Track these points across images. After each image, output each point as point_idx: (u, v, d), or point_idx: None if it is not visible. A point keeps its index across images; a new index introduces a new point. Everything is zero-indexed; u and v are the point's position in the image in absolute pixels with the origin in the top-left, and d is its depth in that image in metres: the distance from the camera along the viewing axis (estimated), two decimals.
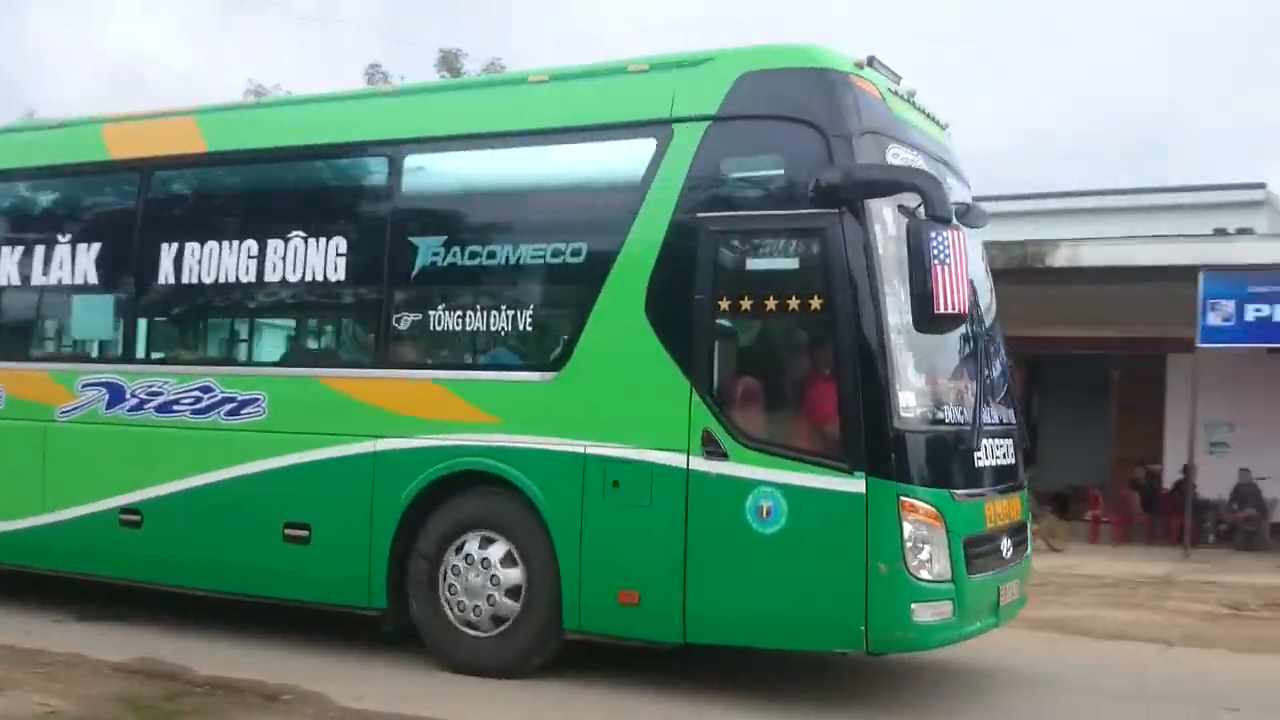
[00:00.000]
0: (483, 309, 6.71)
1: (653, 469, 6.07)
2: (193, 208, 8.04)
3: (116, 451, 7.70)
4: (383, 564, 6.78)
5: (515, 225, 6.83)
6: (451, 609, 6.61)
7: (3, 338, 8.65)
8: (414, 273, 6.90)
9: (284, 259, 7.28)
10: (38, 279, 8.31)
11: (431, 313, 6.87)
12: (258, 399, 7.26)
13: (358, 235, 7.17)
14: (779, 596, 5.84)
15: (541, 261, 6.59)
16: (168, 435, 7.53)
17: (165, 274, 7.71)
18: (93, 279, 8.04)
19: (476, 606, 6.52)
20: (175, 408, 7.53)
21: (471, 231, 6.84)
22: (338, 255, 7.12)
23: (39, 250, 8.26)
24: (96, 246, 8.03)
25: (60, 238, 8.19)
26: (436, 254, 6.84)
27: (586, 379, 6.33)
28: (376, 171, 7.26)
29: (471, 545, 6.54)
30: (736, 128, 6.19)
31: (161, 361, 7.89)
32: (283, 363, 7.73)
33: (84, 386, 7.86)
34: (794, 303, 5.92)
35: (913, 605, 5.63)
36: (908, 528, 5.61)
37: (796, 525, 5.75)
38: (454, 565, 6.58)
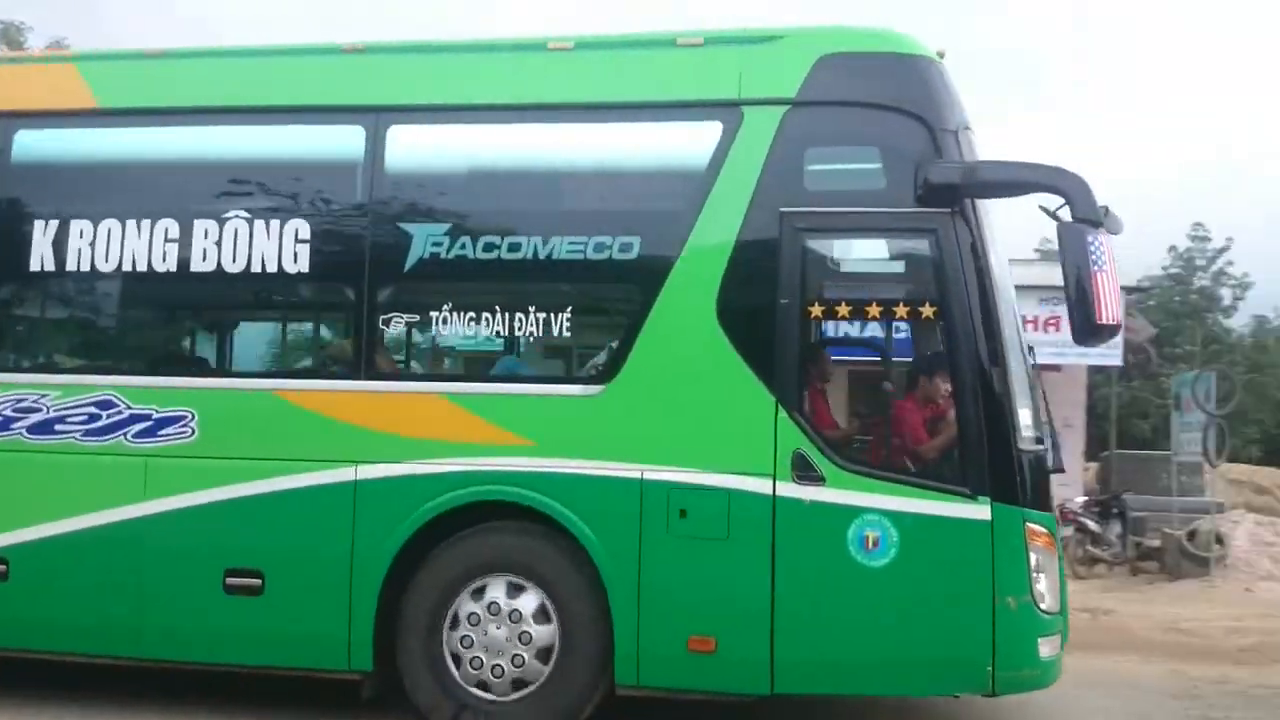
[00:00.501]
0: (504, 311, 5.62)
1: (729, 495, 5.27)
2: (82, 176, 6.37)
3: None
4: (368, 616, 5.54)
5: (537, 214, 5.80)
6: (460, 666, 5.49)
7: None
8: (408, 265, 5.74)
9: (220, 244, 5.85)
10: None
11: (435, 314, 5.73)
12: (184, 416, 5.78)
13: (324, 219, 5.86)
14: (888, 637, 5.19)
15: (580, 257, 5.57)
16: (47, 462, 5.88)
17: (41, 258, 6.04)
18: None
19: (496, 666, 5.44)
20: (59, 428, 5.88)
21: (483, 221, 5.74)
22: (297, 241, 5.81)
23: None
24: None
25: None
26: (438, 244, 5.71)
27: (642, 393, 5.43)
28: (350, 144, 5.92)
29: (496, 592, 5.46)
30: (820, 114, 5.50)
31: (36, 369, 6.20)
32: (220, 372, 6.26)
33: None
34: (901, 310, 5.38)
35: (1039, 640, 5.18)
36: (1033, 556, 5.15)
37: (910, 556, 5.13)
38: (471, 614, 5.47)
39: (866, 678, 5.32)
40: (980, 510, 5.12)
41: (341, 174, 5.98)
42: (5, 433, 5.92)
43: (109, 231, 5.95)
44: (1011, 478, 5.15)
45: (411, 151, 5.97)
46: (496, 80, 5.91)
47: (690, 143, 5.65)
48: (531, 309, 5.57)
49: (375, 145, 5.83)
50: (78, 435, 5.86)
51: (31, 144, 6.27)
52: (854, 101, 5.51)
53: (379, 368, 5.78)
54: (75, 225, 5.98)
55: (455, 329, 5.71)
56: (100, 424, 5.84)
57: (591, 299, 5.87)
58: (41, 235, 6.02)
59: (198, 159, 6.23)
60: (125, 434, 5.81)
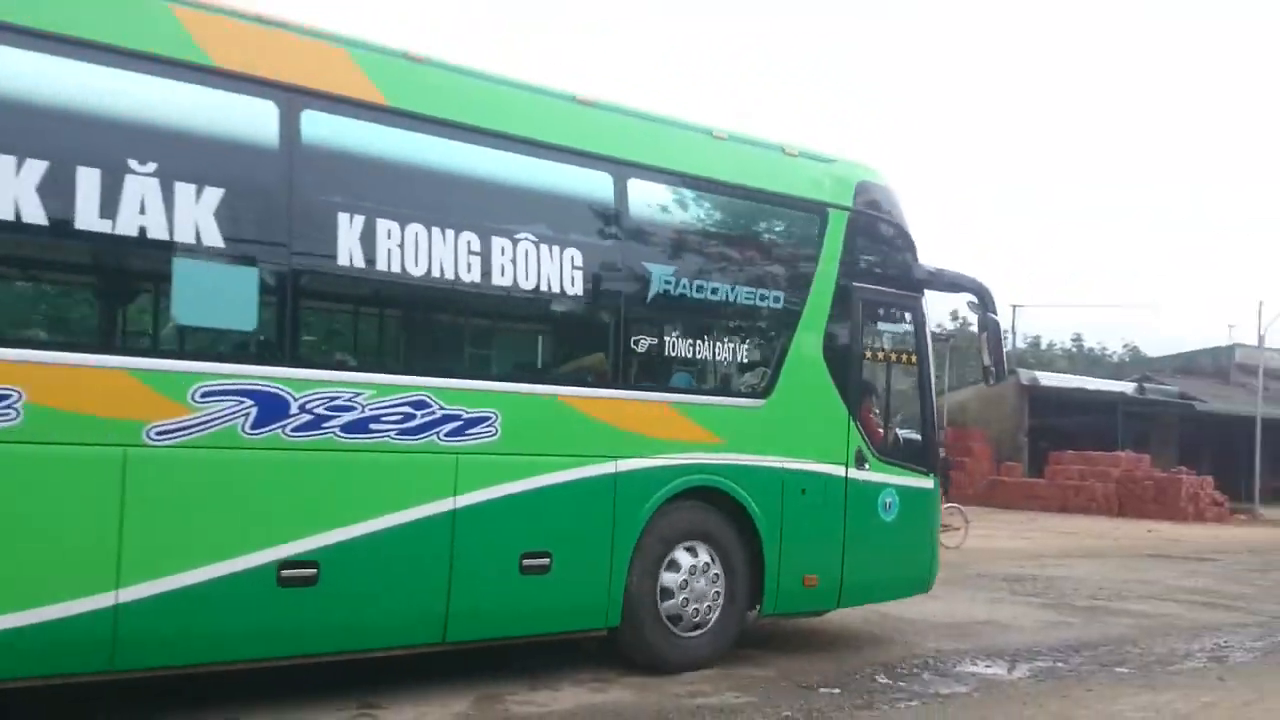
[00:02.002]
0: (707, 339, 7.47)
1: (828, 479, 7.97)
2: (375, 173, 6.14)
3: (274, 485, 5.64)
4: (620, 582, 6.98)
5: (725, 268, 7.62)
6: (679, 614, 7.31)
7: (18, 309, 5.01)
8: (649, 297, 7.10)
9: (514, 262, 6.49)
10: (86, 219, 5.13)
11: (665, 338, 7.20)
12: (489, 417, 6.34)
13: (591, 250, 6.91)
14: (893, 565, 8.43)
15: (752, 303, 7.69)
16: (360, 461, 5.91)
17: (350, 254, 5.89)
18: (214, 237, 5.46)
19: (696, 609, 7.37)
20: (373, 427, 5.93)
21: (693, 267, 7.40)
22: (573, 268, 6.74)
23: (88, 174, 5.13)
24: (211, 189, 5.45)
25: (132, 162, 5.25)
26: (668, 283, 7.19)
27: (785, 406, 7.76)
28: (603, 187, 6.97)
29: (699, 554, 7.41)
30: (862, 220, 8.27)
31: (343, 367, 5.94)
32: (519, 378, 6.66)
33: (206, 396, 5.41)
34: (902, 357, 8.58)
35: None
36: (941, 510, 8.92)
37: (903, 512, 8.38)
38: (688, 566, 7.32)
39: (881, 591, 8.64)
40: (931, 483, 8.68)
41: (601, 214, 7.03)
42: (316, 432, 5.75)
43: (416, 236, 6.11)
44: (937, 463, 8.83)
45: (645, 202, 7.27)
46: (692, 153, 7.54)
47: (805, 227, 8.13)
48: (725, 339, 7.60)
49: (620, 193, 7.05)
50: (392, 434, 6.01)
51: (321, 129, 5.90)
52: (876, 214, 8.44)
53: (630, 379, 7.06)
54: (382, 225, 6.01)
55: (676, 350, 7.37)
56: (414, 423, 6.08)
57: (758, 335, 7.94)
58: (348, 230, 5.89)
59: (489, 178, 6.59)
60: (438, 433, 6.16)
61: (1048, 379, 34.88)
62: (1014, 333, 57.48)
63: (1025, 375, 33.75)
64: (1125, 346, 63.97)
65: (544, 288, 6.65)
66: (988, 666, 8.17)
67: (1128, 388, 35.56)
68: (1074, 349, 64.50)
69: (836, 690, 7.16)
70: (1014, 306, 60.58)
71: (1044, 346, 62.57)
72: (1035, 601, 11.54)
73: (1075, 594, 12.23)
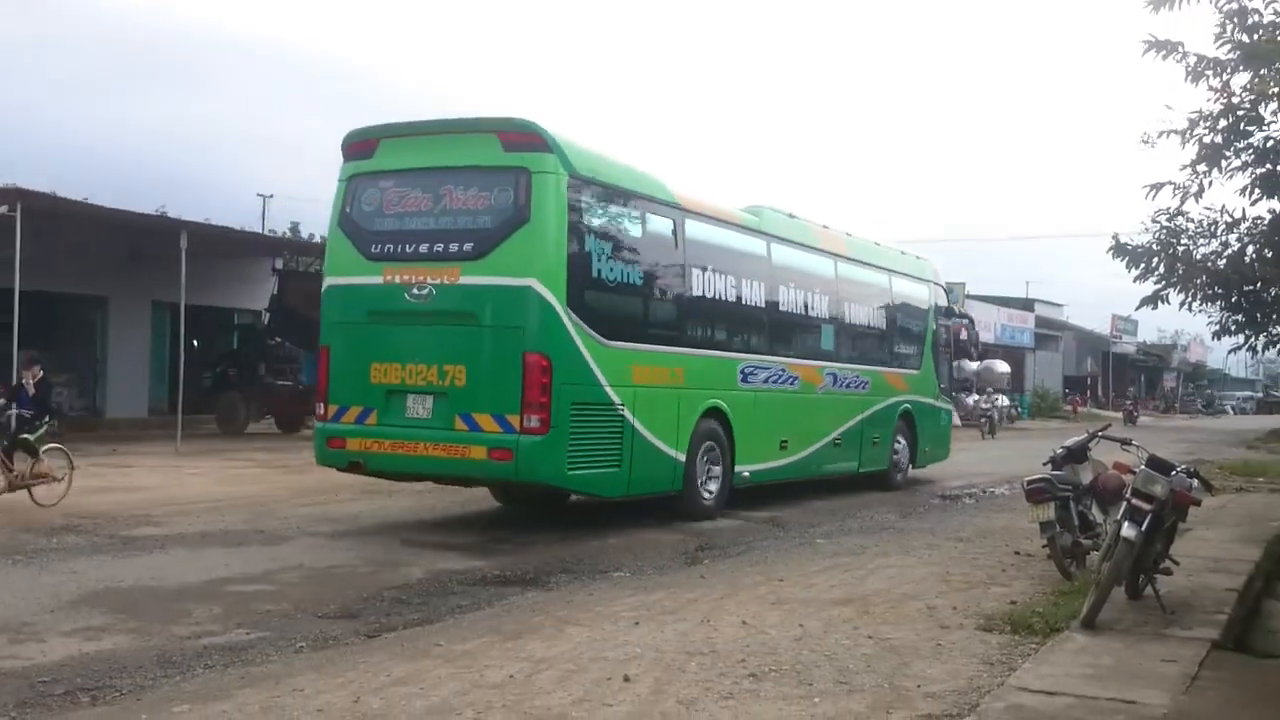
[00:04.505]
0: (908, 346, 17.75)
1: (932, 405, 18.02)
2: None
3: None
4: (887, 450, 16.89)
5: (906, 316, 17.70)
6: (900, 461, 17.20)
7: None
8: (894, 328, 17.50)
9: (848, 311, 16.06)
10: (716, 290, 12.89)
11: (897, 347, 17.46)
12: (867, 380, 15.78)
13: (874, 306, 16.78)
14: (942, 445, 18.61)
15: (916, 332, 17.83)
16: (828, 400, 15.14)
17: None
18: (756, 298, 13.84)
19: (900, 459, 17.00)
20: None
21: (895, 316, 17.33)
22: (868, 316, 16.64)
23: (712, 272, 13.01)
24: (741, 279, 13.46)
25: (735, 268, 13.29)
26: (895, 322, 17.34)
27: (924, 375, 17.75)
28: (883, 279, 17.15)
29: (902, 440, 16.95)
30: (940, 295, 18.98)
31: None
32: (875, 364, 16.80)
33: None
34: (945, 352, 19.12)
35: None
36: None
37: (946, 421, 18.99)
38: (904, 445, 17.20)
39: (937, 459, 18.50)
40: (951, 407, 20.29)
41: (880, 291, 17.14)
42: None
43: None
44: (953, 399, 21.51)
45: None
46: (880, 253, 17.41)
47: (922, 300, 18.11)
48: (911, 346, 17.65)
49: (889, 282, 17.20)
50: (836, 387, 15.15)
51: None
52: (944, 290, 19.79)
53: (890, 363, 17.21)
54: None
55: (899, 350, 17.56)
56: (844, 382, 15.24)
57: (917, 345, 17.75)
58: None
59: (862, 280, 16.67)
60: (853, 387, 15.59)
61: None
62: None
63: None
64: None
65: (865, 323, 16.18)
66: (512, 581, 8.53)
67: None
68: None
69: (352, 618, 7.15)
70: None
71: None
72: (545, 516, 12.17)
73: (579, 508, 12.97)
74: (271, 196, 48.00)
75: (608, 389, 10.55)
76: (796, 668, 5.76)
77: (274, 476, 16.00)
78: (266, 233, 36.01)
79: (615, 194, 11.04)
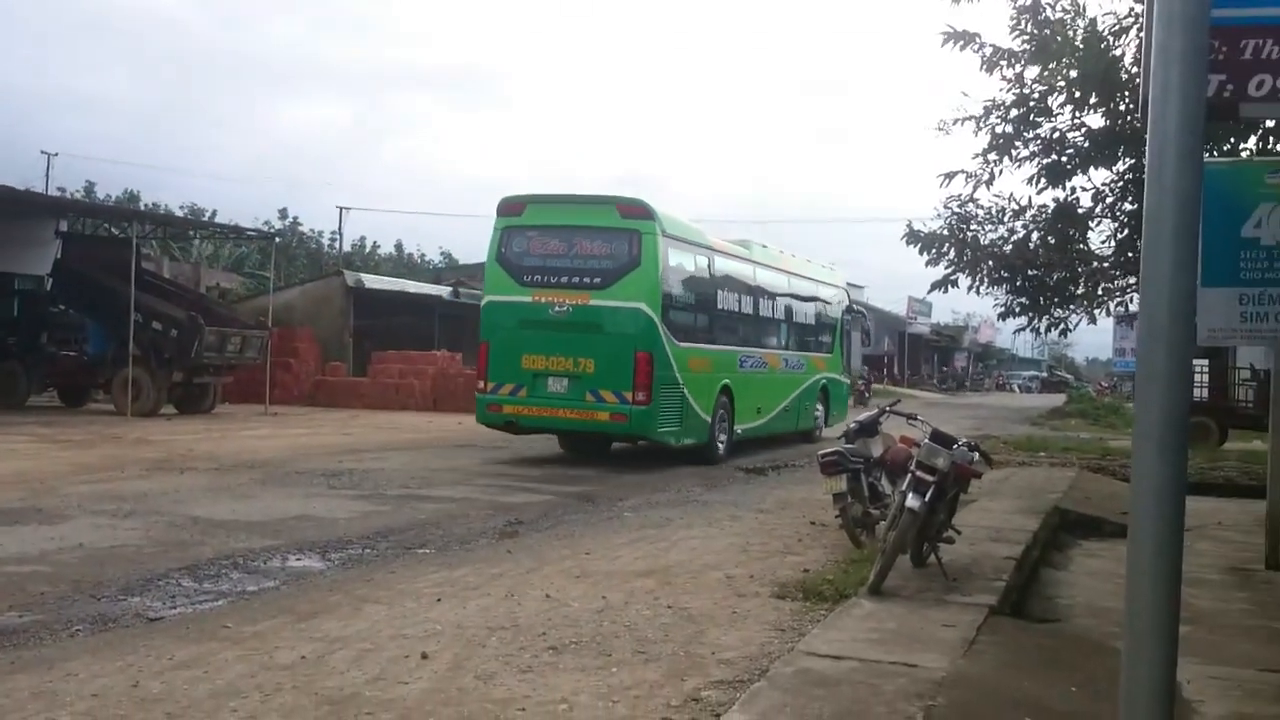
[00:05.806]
0: (825, 336, 22.79)
1: (839, 380, 23.68)
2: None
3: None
4: (813, 417, 22.43)
5: (820, 313, 22.52)
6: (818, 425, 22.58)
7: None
8: (815, 322, 22.99)
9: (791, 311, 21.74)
10: (731, 304, 18.83)
11: (819, 335, 22.70)
12: (804, 362, 21.50)
13: (806, 306, 22.22)
14: (842, 407, 23.13)
15: (829, 324, 22.89)
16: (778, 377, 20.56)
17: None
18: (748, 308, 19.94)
19: (820, 422, 22.43)
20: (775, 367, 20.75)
21: (814, 311, 22.53)
22: (805, 314, 22.41)
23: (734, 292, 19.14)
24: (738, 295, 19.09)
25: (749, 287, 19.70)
26: (818, 317, 22.85)
27: (834, 356, 23.10)
28: (814, 289, 22.70)
29: (820, 409, 22.56)
30: (847, 295, 25.12)
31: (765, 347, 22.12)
32: (807, 349, 22.49)
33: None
34: (849, 338, 25.05)
35: None
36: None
37: (845, 391, 24.49)
38: (820, 412, 22.58)
39: (838, 418, 22.07)
40: (848, 379, 25.32)
41: (811, 297, 23.03)
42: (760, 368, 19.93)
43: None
44: (851, 374, 27.07)
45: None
46: (810, 270, 22.94)
47: (834, 300, 23.40)
48: (826, 336, 22.75)
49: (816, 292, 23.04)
50: (778, 368, 20.30)
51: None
52: (853, 309, 25.47)
53: (809, 349, 22.23)
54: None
55: (820, 338, 22.72)
56: (788, 364, 20.63)
57: (830, 333, 22.89)
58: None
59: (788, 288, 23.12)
60: (791, 365, 20.89)
61: (372, 281, 35.75)
62: (341, 236, 58.17)
63: (350, 277, 34.16)
64: (442, 253, 67.79)
65: (802, 320, 21.62)
66: (298, 560, 8.29)
67: (444, 291, 37.66)
68: (395, 254, 66.94)
69: (137, 598, 6.81)
70: (340, 209, 61.09)
71: (369, 249, 64.15)
72: (350, 494, 11.89)
73: (389, 484, 12.74)
74: (56, 155, 44.91)
75: (677, 374, 15.79)
76: (597, 639, 5.81)
77: (55, 452, 15.07)
78: (54, 192, 33.66)
79: (684, 244, 16.61)
